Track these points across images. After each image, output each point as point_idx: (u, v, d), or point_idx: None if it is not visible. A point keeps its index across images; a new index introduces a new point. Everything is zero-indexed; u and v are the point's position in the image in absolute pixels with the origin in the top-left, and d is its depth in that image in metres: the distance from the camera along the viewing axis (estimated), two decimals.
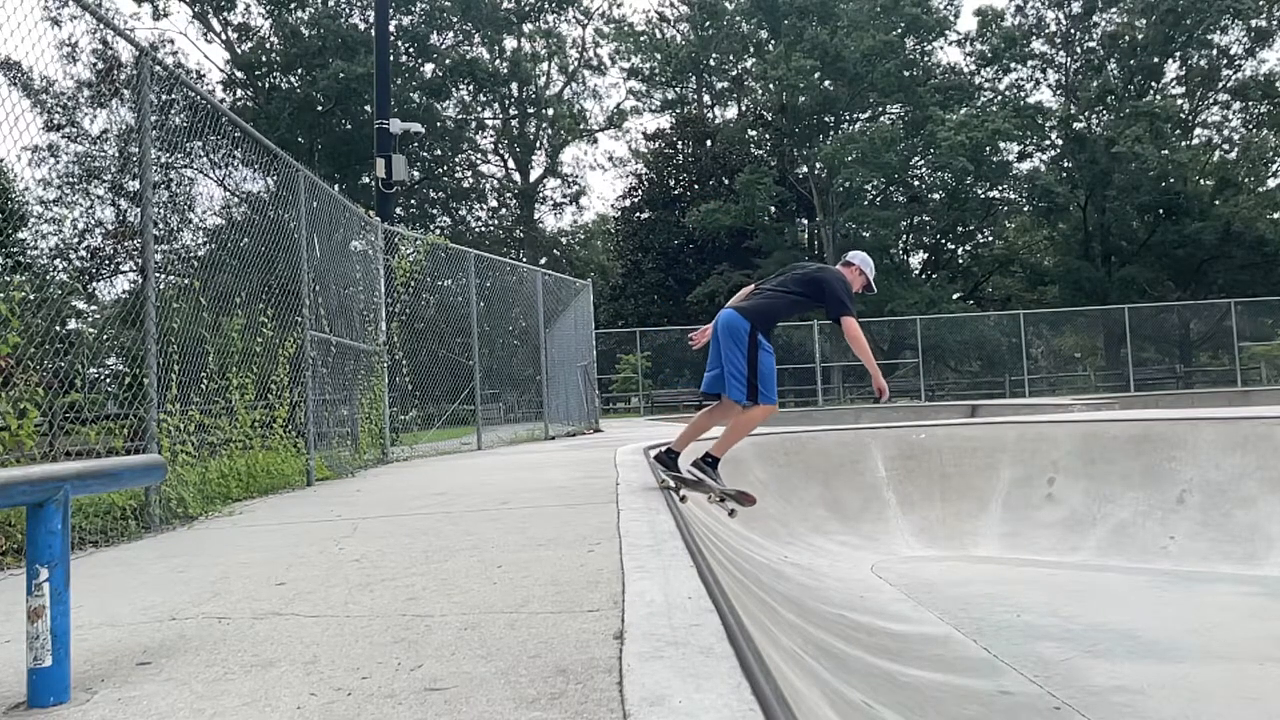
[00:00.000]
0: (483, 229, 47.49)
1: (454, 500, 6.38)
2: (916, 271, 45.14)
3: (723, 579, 4.07)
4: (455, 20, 42.73)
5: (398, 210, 20.36)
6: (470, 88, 44.15)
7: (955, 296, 41.78)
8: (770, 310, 5.62)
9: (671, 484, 5.37)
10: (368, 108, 35.26)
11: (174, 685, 2.36)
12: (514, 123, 48.41)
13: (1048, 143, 42.07)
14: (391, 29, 32.53)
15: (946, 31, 41.33)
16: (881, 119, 40.22)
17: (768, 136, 43.60)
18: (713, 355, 5.66)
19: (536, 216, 49.34)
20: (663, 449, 5.60)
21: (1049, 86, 43.16)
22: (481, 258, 14.52)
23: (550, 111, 48.15)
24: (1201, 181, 39.94)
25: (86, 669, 2.52)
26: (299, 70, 38.45)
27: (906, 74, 39.38)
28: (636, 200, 44.30)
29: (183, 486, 6.01)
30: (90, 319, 11.33)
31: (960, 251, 45.54)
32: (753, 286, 6.01)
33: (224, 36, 40.20)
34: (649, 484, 6.59)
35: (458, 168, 46.51)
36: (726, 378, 5.46)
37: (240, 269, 7.98)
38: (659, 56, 45.82)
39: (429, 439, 12.88)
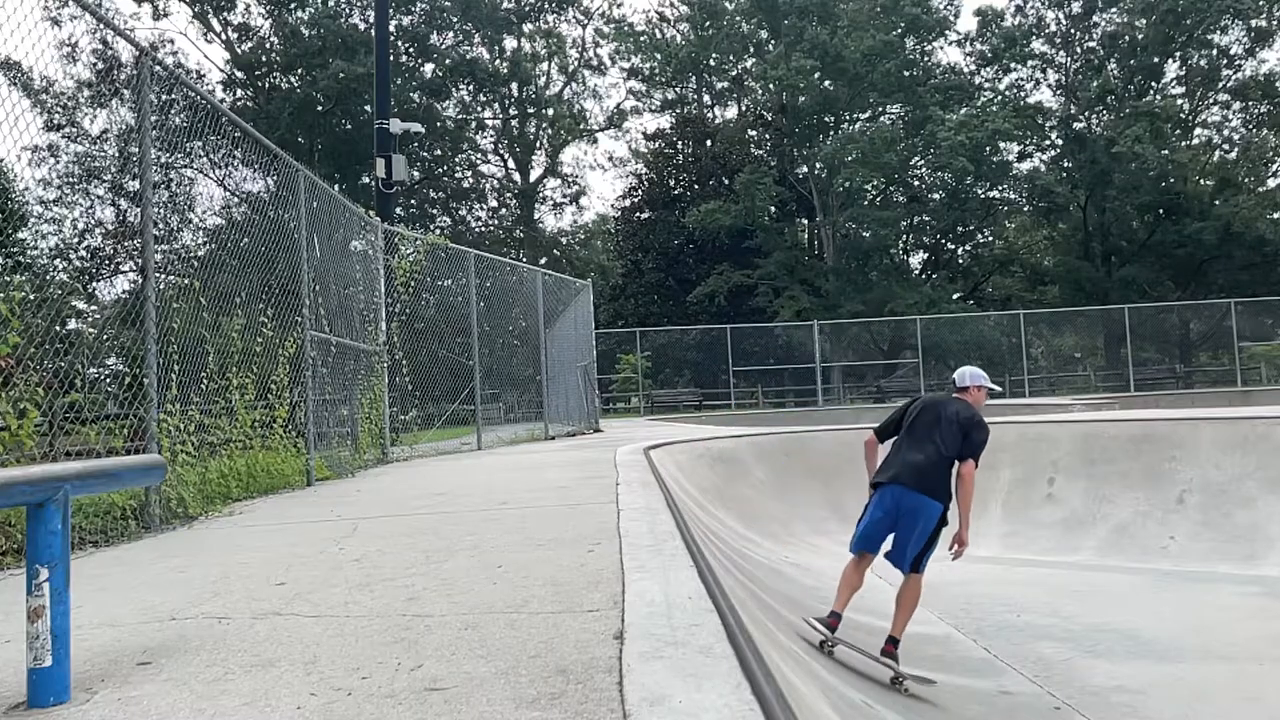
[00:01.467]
0: (483, 229, 47.44)
1: (454, 500, 6.38)
2: (916, 271, 45.14)
3: (723, 579, 4.07)
4: (455, 20, 42.69)
5: (398, 210, 20.36)
6: (470, 88, 44.11)
7: (955, 296, 41.76)
8: (950, 478, 5.42)
9: (832, 644, 5.22)
10: (368, 108, 35.22)
11: (174, 685, 2.36)
12: (514, 123, 48.39)
13: (1048, 143, 42.08)
14: (391, 29, 32.58)
15: (946, 31, 41.34)
16: (881, 119, 40.20)
17: (768, 136, 43.58)
18: (877, 516, 5.42)
19: (536, 216, 49.32)
20: (827, 615, 5.25)
21: (1049, 86, 43.19)
22: (481, 258, 14.52)
23: (550, 111, 48.12)
24: (1201, 181, 39.93)
25: (87, 669, 2.52)
26: (299, 70, 38.41)
27: (906, 74, 39.37)
28: (636, 200, 44.28)
29: (183, 486, 6.01)
30: (90, 319, 11.32)
31: (960, 251, 45.53)
32: (904, 438, 5.62)
33: (224, 36, 40.17)
34: (649, 483, 6.59)
35: (458, 168, 46.45)
36: (902, 551, 5.33)
37: (240, 269, 7.98)
38: (659, 56, 45.80)
39: (429, 439, 12.87)
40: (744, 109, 46.38)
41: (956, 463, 5.42)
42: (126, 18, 36.76)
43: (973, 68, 42.67)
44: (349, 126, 38.48)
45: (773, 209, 39.40)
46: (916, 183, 42.26)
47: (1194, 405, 21.34)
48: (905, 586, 5.36)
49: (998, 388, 6.27)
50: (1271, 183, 41.49)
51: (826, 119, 41.50)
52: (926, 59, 41.81)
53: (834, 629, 5.19)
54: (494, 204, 49.66)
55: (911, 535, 5.29)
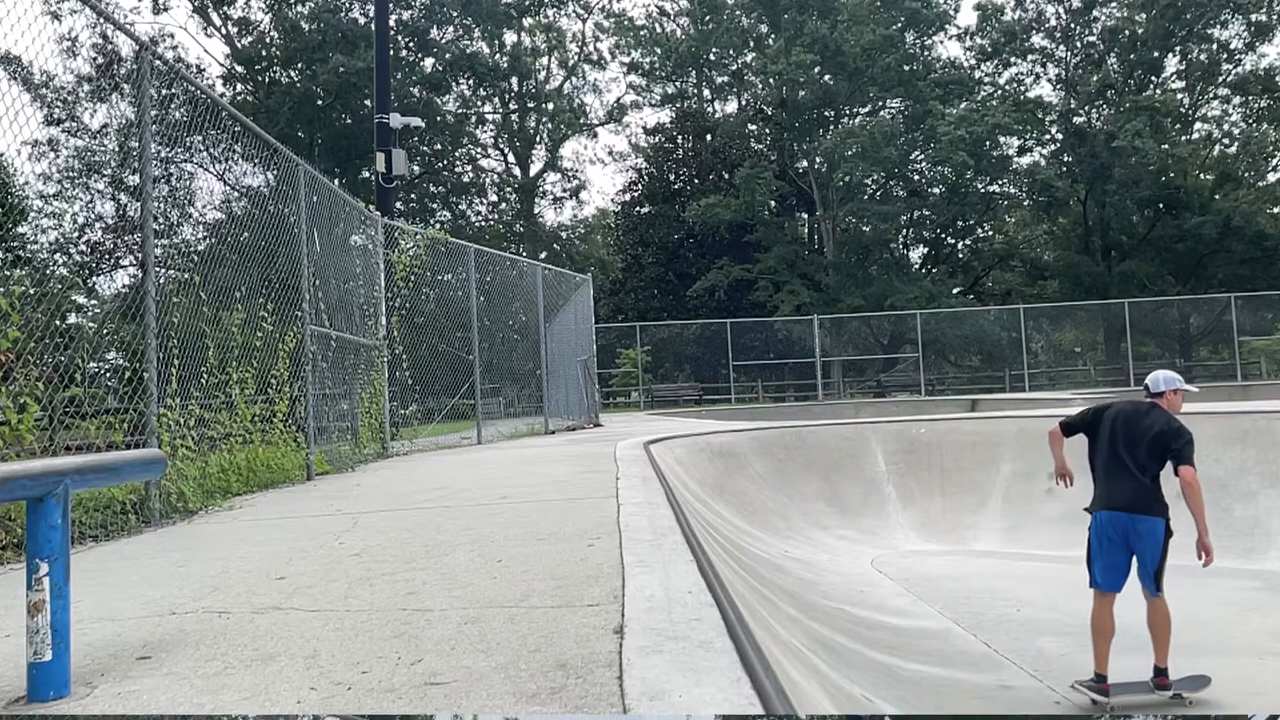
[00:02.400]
0: (483, 223, 47.39)
1: (454, 495, 6.38)
2: (916, 266, 45.09)
3: (723, 573, 4.07)
4: (455, 14, 42.59)
5: (398, 205, 20.31)
6: (470, 82, 44.02)
7: (955, 291, 41.72)
8: (1160, 489, 5.42)
9: (1111, 708, 5.17)
10: (368, 102, 35.15)
11: (174, 679, 2.36)
12: (514, 117, 48.29)
13: (1048, 137, 42.01)
14: (391, 23, 32.47)
15: (946, 26, 41.26)
16: (881, 113, 40.14)
17: (768, 131, 43.53)
18: (1110, 550, 5.42)
19: (536, 211, 49.27)
20: (1093, 680, 5.26)
21: (1049, 81, 43.11)
22: (481, 252, 14.51)
23: (550, 106, 48.02)
24: (1201, 176, 39.89)
25: (87, 663, 2.52)
26: (299, 65, 38.34)
27: (906, 68, 39.29)
28: (636, 195, 44.25)
29: (183, 481, 6.01)
30: (90, 313, 11.31)
31: (960, 246, 45.49)
32: (1107, 458, 5.58)
33: (224, 31, 40.10)
34: (649, 478, 6.59)
35: (458, 162, 46.38)
36: (1147, 577, 5.35)
37: (240, 263, 7.97)
38: (659, 51, 45.71)
39: (429, 433, 12.87)
40: (744, 103, 46.34)
41: (1167, 470, 5.40)
42: (126, 12, 36.63)
43: (972, 62, 42.61)
44: (349, 121, 38.43)
45: (772, 203, 39.38)
46: (916, 177, 42.20)
47: (1193, 399, 21.32)
48: (1153, 614, 5.35)
49: (1194, 388, 6.16)
50: (1271, 177, 41.46)
51: (826, 113, 41.44)
52: (926, 53, 41.74)
53: (1106, 693, 5.20)
54: (494, 198, 49.61)
55: (1147, 557, 5.32)
